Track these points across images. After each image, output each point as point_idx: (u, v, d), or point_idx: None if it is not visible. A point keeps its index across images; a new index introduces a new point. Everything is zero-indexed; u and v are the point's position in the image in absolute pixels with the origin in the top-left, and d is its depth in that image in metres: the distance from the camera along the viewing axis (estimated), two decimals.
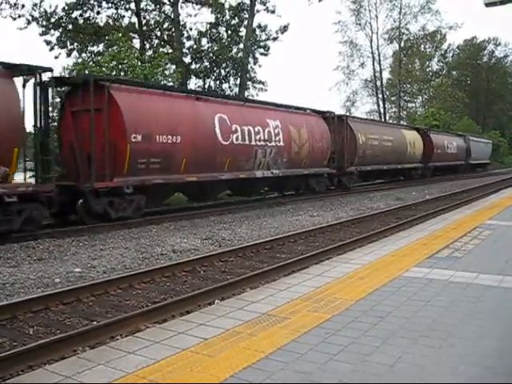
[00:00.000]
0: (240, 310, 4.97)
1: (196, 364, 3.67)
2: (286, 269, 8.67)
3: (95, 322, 6.16)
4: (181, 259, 9.71)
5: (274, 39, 34.18)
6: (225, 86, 33.54)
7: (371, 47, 60.25)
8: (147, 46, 32.25)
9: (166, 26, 33.14)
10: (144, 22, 32.26)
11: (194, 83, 32.91)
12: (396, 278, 6.06)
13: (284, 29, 33.93)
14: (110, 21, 31.02)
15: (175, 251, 10.68)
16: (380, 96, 61.36)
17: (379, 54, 60.36)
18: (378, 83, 61.39)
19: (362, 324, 4.48)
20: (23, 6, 28.18)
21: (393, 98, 65.29)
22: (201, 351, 3.91)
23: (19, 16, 28.24)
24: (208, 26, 33.13)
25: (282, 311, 4.86)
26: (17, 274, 8.64)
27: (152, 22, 33.18)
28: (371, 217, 15.96)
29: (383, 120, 55.32)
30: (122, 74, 21.93)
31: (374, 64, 60.63)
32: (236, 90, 32.72)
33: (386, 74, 64.45)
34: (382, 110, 60.46)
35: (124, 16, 31.82)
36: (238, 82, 33.52)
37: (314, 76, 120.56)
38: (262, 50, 34.27)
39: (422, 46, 68.64)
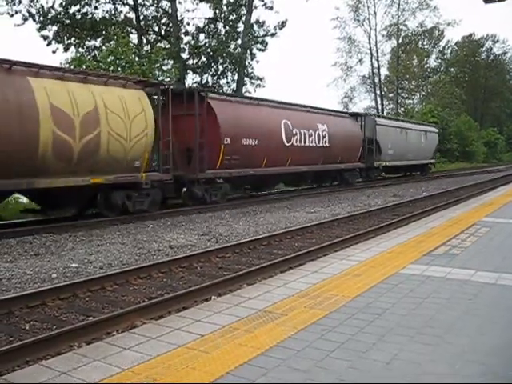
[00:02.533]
0: (237, 306, 4.96)
1: (192, 360, 3.66)
2: (282, 265, 8.67)
3: (91, 318, 6.15)
4: (178, 255, 9.71)
5: (272, 35, 34.18)
6: (222, 81, 33.52)
7: (369, 43, 60.25)
8: (144, 41, 32.20)
9: (163, 21, 33.10)
10: (141, 17, 32.20)
11: (191, 78, 32.90)
12: (393, 275, 6.06)
13: (282, 25, 33.93)
14: (108, 16, 30.92)
15: (172, 247, 10.67)
16: (378, 92, 61.38)
17: (377, 51, 60.38)
18: (376, 80, 61.42)
19: (359, 321, 4.47)
20: (20, 2, 28.08)
21: (391, 95, 65.31)
22: (197, 347, 3.91)
23: (16, 12, 28.18)
24: (206, 21, 33.10)
25: (279, 308, 4.86)
26: (13, 269, 8.63)
27: (150, 17, 33.11)
28: (368, 213, 15.97)
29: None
30: (120, 69, 21.88)
31: (372, 60, 60.66)
32: (234, 85, 32.69)
33: (383, 71, 64.44)
34: (379, 107, 60.47)
35: (121, 11, 31.76)
36: (235, 77, 33.49)
37: (312, 72, 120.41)
38: (259, 46, 34.24)
39: (420, 43, 68.63)
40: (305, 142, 23.10)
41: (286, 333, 4.19)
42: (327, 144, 24.75)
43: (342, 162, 26.57)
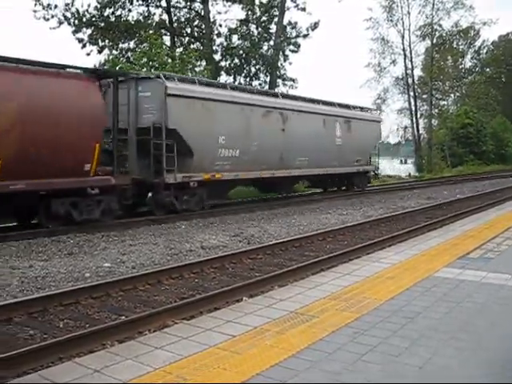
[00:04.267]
0: (268, 307, 4.96)
1: (223, 361, 3.67)
2: (314, 267, 8.62)
3: (124, 317, 6.20)
4: (209, 256, 9.74)
5: (305, 36, 33.99)
6: (255, 83, 33.53)
7: (403, 44, 59.48)
8: (177, 43, 32.40)
9: (196, 23, 33.24)
10: (174, 19, 32.41)
11: (223, 80, 32.99)
12: (426, 279, 5.98)
13: (314, 26, 33.74)
14: (141, 18, 31.23)
15: (204, 248, 10.71)
16: (411, 94, 60.66)
17: (411, 51, 59.56)
18: (410, 81, 60.69)
19: (391, 324, 4.42)
20: (56, 6, 28.59)
21: (424, 96, 64.42)
22: (228, 348, 3.91)
23: (52, 16, 28.69)
24: (238, 22, 33.16)
25: (310, 310, 4.84)
26: (48, 268, 8.75)
27: (182, 19, 33.30)
28: (401, 216, 15.80)
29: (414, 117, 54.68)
30: (153, 70, 22.07)
31: (405, 61, 59.87)
32: (266, 87, 32.67)
33: (417, 72, 63.62)
34: (413, 108, 59.78)
35: (155, 13, 32.01)
36: (268, 79, 33.47)
37: (344, 73, 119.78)
38: (292, 48, 34.14)
39: (455, 43, 67.57)
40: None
41: (317, 335, 4.16)
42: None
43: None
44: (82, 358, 4.14)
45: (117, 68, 20.98)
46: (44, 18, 28.47)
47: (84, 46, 30.00)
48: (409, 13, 57.52)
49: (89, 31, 29.96)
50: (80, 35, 29.75)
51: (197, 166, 15.76)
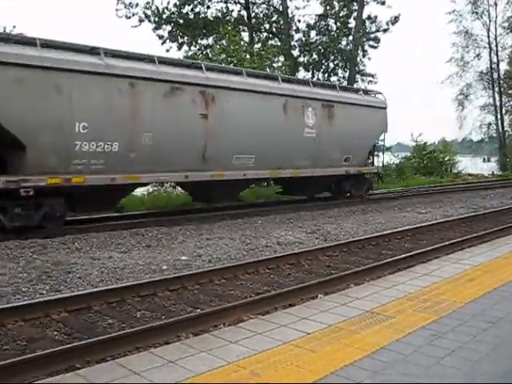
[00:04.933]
0: (343, 305, 4.89)
1: (297, 358, 3.65)
2: (391, 266, 8.45)
3: (199, 310, 6.30)
4: (285, 252, 9.73)
5: (385, 31, 33.36)
6: (333, 78, 33.23)
7: (488, 37, 57.29)
8: (256, 39, 32.57)
9: (274, 18, 33.29)
10: (253, 15, 32.60)
11: (302, 76, 32.90)
12: (509, 282, 5.73)
13: (395, 20, 33.05)
14: (220, 14, 31.62)
15: (280, 243, 10.72)
16: (496, 89, 58.38)
17: (497, 45, 57.26)
18: (495, 75, 58.42)
19: (471, 328, 4.27)
20: (137, 4, 29.50)
21: (510, 91, 61.93)
22: (302, 345, 3.89)
23: (133, 14, 29.62)
24: (316, 17, 32.95)
25: (387, 309, 4.74)
26: (126, 260, 9.00)
27: (261, 14, 33.44)
28: (483, 216, 15.23)
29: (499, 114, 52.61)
30: (232, 66, 22.29)
31: (490, 55, 57.66)
32: (345, 83, 32.33)
33: (503, 66, 61.12)
34: (497, 104, 57.56)
35: (233, 10, 32.33)
36: (346, 74, 33.10)
37: (425, 68, 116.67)
38: (372, 43, 33.61)
39: None
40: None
41: (394, 336, 4.07)
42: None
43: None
44: (158, 349, 4.23)
45: None
46: (126, 16, 29.47)
47: (164, 42, 30.80)
48: (496, 4, 55.17)
49: (168, 28, 30.70)
50: (160, 32, 30.56)
51: (36, 166, 10.75)
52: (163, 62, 13.45)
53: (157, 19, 30.02)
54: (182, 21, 30.75)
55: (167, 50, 30.66)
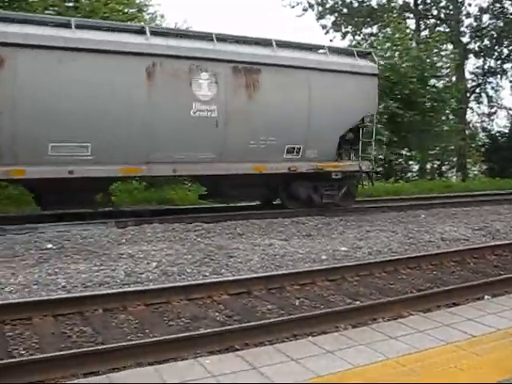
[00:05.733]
0: None
1: (460, 361, 3.47)
2: None
3: (358, 302, 6.22)
4: (450, 248, 9.30)
5: None
6: (506, 65, 31.13)
7: None
8: (422, 26, 31.48)
9: (442, 3, 31.85)
10: (420, 1, 31.47)
11: (472, 64, 31.23)
12: None
13: None
14: (385, 1, 30.98)
15: (444, 239, 10.25)
16: None
17: None
18: None
19: None
20: None
21: None
22: (467, 348, 3.68)
23: (297, 4, 30.13)
24: (491, 0, 30.97)
25: None
26: (286, 247, 9.12)
27: (428, 0, 32.14)
28: None
29: None
30: (397, 54, 21.72)
31: None
32: None
33: None
34: None
35: None
36: None
37: None
38: None
39: None
40: None
41: None
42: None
43: None
44: (316, 338, 4.25)
45: None
46: (290, 5, 30.11)
47: (327, 32, 30.94)
48: None
49: (332, 18, 30.75)
50: (323, 22, 30.73)
51: None
52: None
53: (320, 8, 30.28)
54: (345, 10, 30.67)
55: (331, 40, 30.75)
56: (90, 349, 4.57)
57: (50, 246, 8.77)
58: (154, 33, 11.26)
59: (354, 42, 28.77)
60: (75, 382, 3.82)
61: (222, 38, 12.03)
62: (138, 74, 10.70)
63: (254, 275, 7.12)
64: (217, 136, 11.62)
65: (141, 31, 11.12)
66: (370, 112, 13.88)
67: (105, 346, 4.63)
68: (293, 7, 30.32)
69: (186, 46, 11.31)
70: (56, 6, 15.38)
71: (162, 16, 20.22)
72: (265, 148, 12.20)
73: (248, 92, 11.90)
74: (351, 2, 30.66)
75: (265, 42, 12.56)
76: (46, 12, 14.67)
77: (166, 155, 11.17)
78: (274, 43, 12.38)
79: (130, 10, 17.88)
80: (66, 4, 15.99)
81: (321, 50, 13.49)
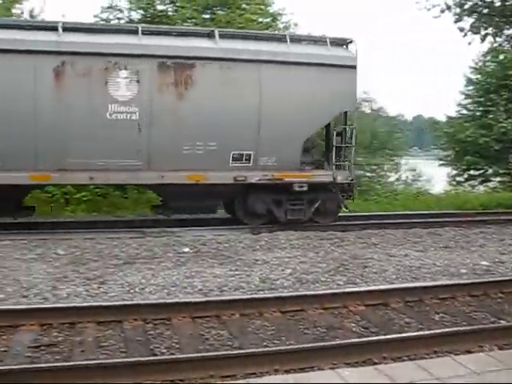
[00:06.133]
0: None
1: None
2: None
3: (504, 322, 5.87)
4: None
5: None
6: None
7: None
8: None
9: None
10: None
11: None
12: None
13: None
14: None
15: None
16: None
17: None
18: None
19: None
20: None
21: None
22: None
23: (433, 6, 29.24)
24: None
25: None
26: (423, 259, 8.84)
27: None
28: None
29: None
30: None
31: None
32: None
33: None
34: None
35: None
36: None
37: None
38: None
39: None
40: None
41: None
42: None
43: None
44: (459, 356, 4.07)
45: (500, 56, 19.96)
46: (426, 8, 29.32)
47: (465, 35, 29.73)
48: None
49: (470, 20, 29.55)
50: (461, 24, 29.58)
51: None
52: None
53: (458, 10, 29.24)
54: (486, 10, 29.38)
55: (469, 43, 29.48)
56: (230, 352, 4.69)
57: (186, 249, 9.15)
58: (68, 29, 10.29)
59: (494, 45, 27.35)
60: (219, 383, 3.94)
61: (150, 31, 11.07)
62: (44, 73, 9.97)
63: (391, 286, 7.00)
64: (140, 140, 10.46)
65: (53, 28, 10.22)
66: (345, 110, 11.98)
67: (244, 351, 4.73)
68: (429, 10, 29.50)
69: (101, 42, 10.33)
70: (193, 18, 16.10)
71: (296, 24, 20.28)
72: (203, 154, 10.74)
73: (178, 90, 10.59)
74: (492, 2, 29.29)
75: (204, 34, 11.41)
76: (185, 24, 15.40)
77: (80, 162, 10.20)
78: (216, 34, 11.01)
79: (265, 20, 18.22)
80: (203, 16, 16.65)
81: (288, 40, 11.49)
